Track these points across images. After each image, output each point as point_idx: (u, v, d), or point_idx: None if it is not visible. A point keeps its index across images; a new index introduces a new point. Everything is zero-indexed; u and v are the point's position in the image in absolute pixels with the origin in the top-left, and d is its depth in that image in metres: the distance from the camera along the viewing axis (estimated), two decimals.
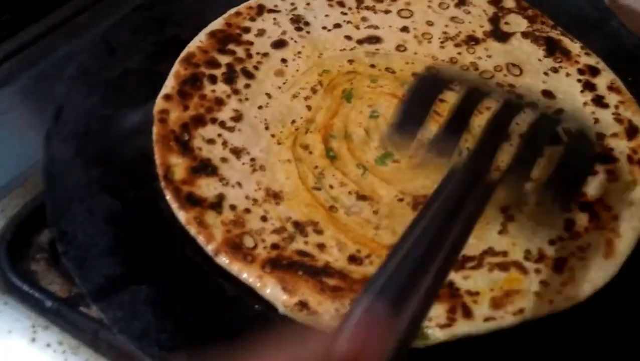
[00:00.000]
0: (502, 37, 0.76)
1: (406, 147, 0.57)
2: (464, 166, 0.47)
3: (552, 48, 0.74)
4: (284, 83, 0.69)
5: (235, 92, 0.66)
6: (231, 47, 0.70)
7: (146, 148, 0.61)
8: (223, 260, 0.53)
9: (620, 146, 0.66)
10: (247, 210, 0.57)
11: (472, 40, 0.75)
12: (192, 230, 0.55)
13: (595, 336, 0.53)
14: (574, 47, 0.75)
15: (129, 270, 0.53)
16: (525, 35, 0.76)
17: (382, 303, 0.35)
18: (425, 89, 0.54)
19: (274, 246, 0.55)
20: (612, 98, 0.70)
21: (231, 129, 0.63)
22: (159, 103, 0.63)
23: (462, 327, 0.51)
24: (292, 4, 0.77)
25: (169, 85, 0.65)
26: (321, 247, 0.55)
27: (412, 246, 0.39)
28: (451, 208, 0.43)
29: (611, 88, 0.70)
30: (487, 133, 0.50)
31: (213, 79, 0.67)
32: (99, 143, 0.61)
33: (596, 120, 0.68)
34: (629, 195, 0.61)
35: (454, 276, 0.54)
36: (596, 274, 0.55)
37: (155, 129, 0.61)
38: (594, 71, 0.72)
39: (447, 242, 0.40)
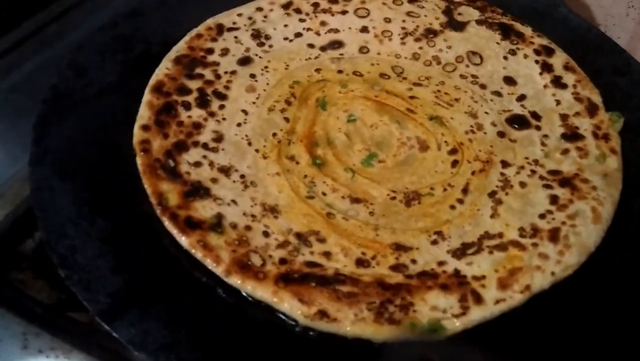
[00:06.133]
0: (459, 26, 0.78)
1: None
2: None
3: (507, 32, 0.77)
4: (257, 98, 0.69)
5: (212, 114, 0.66)
6: (198, 70, 0.70)
7: (133, 170, 0.60)
8: (235, 281, 0.53)
9: (584, 124, 0.69)
10: (248, 228, 0.57)
11: (430, 33, 0.78)
12: (198, 254, 0.54)
13: (595, 305, 0.56)
14: (526, 30, 0.78)
15: (134, 288, 0.53)
16: (479, 22, 0.79)
17: None
18: None
19: (282, 261, 0.55)
20: (569, 78, 0.73)
21: (215, 150, 0.63)
22: (138, 134, 0.62)
23: (476, 313, 0.53)
24: (250, 18, 0.77)
25: (145, 115, 0.64)
26: (327, 255, 0.56)
27: None
28: None
29: (567, 67, 0.74)
30: None
31: (187, 105, 0.66)
32: (84, 167, 0.60)
33: (558, 102, 0.71)
34: (601, 167, 0.65)
35: (458, 264, 0.56)
36: (588, 240, 0.58)
37: (139, 160, 0.60)
38: (549, 51, 0.75)
39: None
